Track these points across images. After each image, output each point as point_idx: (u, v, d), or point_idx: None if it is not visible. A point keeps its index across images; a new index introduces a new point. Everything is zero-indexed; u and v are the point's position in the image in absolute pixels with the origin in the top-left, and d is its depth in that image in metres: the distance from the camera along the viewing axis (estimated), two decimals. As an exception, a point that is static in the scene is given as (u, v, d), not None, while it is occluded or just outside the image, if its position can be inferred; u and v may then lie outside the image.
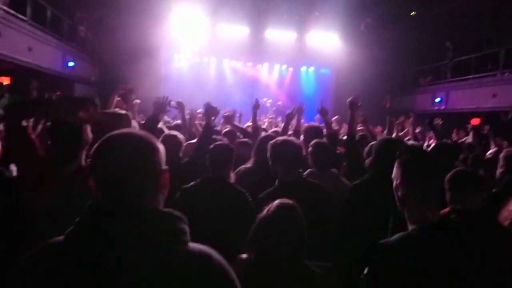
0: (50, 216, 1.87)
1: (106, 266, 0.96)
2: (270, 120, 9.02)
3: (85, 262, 0.97)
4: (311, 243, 2.30)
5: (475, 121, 12.22)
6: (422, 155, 1.75)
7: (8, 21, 8.97)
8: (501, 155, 3.25)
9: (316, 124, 5.05)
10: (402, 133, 6.18)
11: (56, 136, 2.10)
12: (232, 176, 2.85)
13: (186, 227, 1.06)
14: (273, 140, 2.75)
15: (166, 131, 3.85)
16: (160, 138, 3.53)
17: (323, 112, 4.53)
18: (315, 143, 3.29)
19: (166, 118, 6.15)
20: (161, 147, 1.15)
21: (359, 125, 5.83)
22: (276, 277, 1.74)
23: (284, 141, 2.68)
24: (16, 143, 2.05)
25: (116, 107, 5.26)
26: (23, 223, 2.03)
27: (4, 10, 8.80)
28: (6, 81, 10.19)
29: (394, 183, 1.66)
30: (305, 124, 5.34)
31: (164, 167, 1.14)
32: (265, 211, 1.87)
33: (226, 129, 4.67)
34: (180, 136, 3.62)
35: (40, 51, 10.61)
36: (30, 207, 2.03)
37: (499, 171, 3.18)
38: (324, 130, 4.40)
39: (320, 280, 1.82)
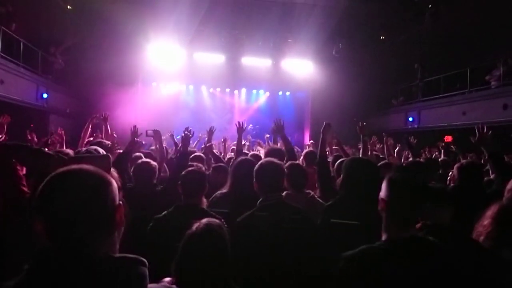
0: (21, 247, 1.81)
1: None
2: (247, 143, 9.05)
3: None
4: (292, 264, 2.31)
5: (448, 138, 12.60)
6: (410, 179, 1.82)
7: (-22, 54, 8.85)
8: (455, 167, 3.38)
9: (276, 146, 5.06)
10: (375, 152, 6.29)
11: (39, 182, 2.04)
12: (204, 202, 2.82)
13: (144, 270, 1.01)
14: (259, 162, 2.72)
15: (140, 160, 3.82)
16: (133, 167, 3.50)
17: (278, 129, 4.45)
18: (290, 165, 3.31)
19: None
20: (113, 182, 1.09)
21: (333, 146, 5.94)
22: None
23: (265, 163, 2.66)
24: (4, 178, 1.99)
25: (90, 137, 5.22)
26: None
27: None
28: (-23, 114, 9.94)
29: (380, 196, 1.76)
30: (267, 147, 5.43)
31: (118, 201, 1.09)
32: (188, 232, 1.79)
33: (197, 154, 4.66)
34: (153, 163, 3.59)
35: (13, 83, 10.46)
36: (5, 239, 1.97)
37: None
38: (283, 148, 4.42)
39: None
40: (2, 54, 10.04)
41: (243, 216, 2.52)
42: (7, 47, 10.39)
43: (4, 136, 4.36)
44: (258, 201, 2.61)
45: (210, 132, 5.56)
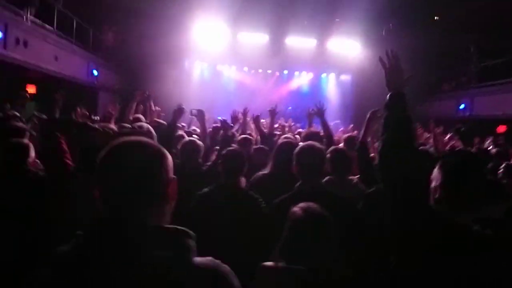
0: (66, 221, 1.90)
1: (110, 285, 0.95)
2: (288, 125, 8.95)
3: (88, 279, 0.96)
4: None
5: (501, 129, 11.84)
6: (466, 161, 1.70)
7: (35, 31, 9.29)
8: None
9: (315, 129, 4.96)
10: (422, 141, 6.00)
11: (84, 155, 2.12)
12: (243, 181, 2.82)
13: (192, 243, 1.03)
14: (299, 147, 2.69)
15: (186, 138, 3.88)
16: (180, 144, 3.56)
17: (320, 113, 4.40)
18: (334, 149, 3.24)
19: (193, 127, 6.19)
20: (169, 156, 1.12)
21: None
22: (311, 286, 1.68)
23: (306, 147, 2.61)
24: (49, 150, 2.10)
25: (136, 113, 5.38)
26: (47, 222, 2.07)
27: (31, 20, 9.11)
28: (32, 89, 10.53)
29: (433, 183, 1.65)
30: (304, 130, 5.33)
31: (172, 176, 1.11)
32: (293, 217, 1.81)
33: (241, 137, 4.67)
34: (199, 142, 3.63)
35: (66, 60, 10.94)
36: (52, 210, 2.07)
37: None
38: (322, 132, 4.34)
39: None
40: (57, 31, 10.48)
41: (281, 198, 2.50)
42: (60, 25, 10.83)
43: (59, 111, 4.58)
44: (296, 185, 2.57)
45: (273, 113, 5.36)
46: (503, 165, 3.77)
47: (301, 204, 1.85)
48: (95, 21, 13.42)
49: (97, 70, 12.89)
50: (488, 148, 6.59)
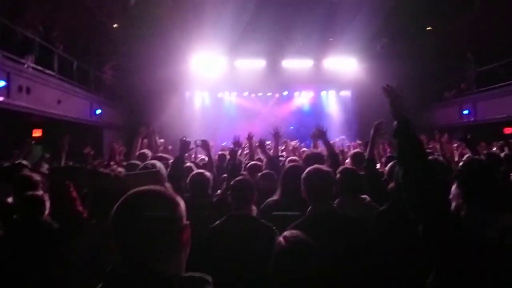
0: (81, 269, 1.88)
1: None
2: (293, 145, 8.93)
3: None
4: (344, 277, 2.21)
5: (508, 130, 11.75)
6: (483, 174, 1.77)
7: (36, 77, 9.49)
8: None
9: (316, 150, 4.95)
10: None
11: (96, 201, 2.13)
12: (254, 210, 2.80)
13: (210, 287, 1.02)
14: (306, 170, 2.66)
15: (195, 169, 3.87)
16: (189, 178, 3.55)
17: (320, 134, 4.42)
18: (343, 170, 3.21)
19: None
20: (181, 202, 1.13)
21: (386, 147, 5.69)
22: None
23: (313, 170, 2.59)
24: (60, 198, 2.11)
25: (141, 148, 5.40)
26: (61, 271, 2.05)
27: (32, 67, 9.32)
28: (38, 133, 10.67)
29: (455, 202, 1.72)
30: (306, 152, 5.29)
31: (185, 222, 1.11)
32: (277, 247, 1.80)
33: (250, 164, 4.65)
34: (208, 173, 3.62)
35: (69, 103, 11.12)
36: (65, 258, 2.06)
37: None
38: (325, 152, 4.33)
39: None
40: (58, 76, 10.69)
41: (294, 224, 2.46)
42: (62, 68, 11.06)
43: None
44: (308, 210, 2.54)
45: (277, 136, 5.32)
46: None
47: (285, 233, 1.84)
48: (94, 61, 13.72)
49: (100, 109, 13.07)
50: (496, 151, 6.52)
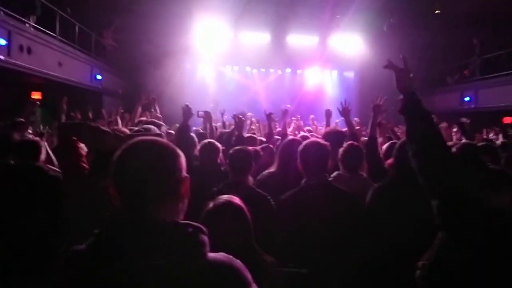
0: (79, 220, 1.95)
1: (125, 280, 0.97)
2: (296, 123, 8.97)
3: (105, 276, 0.98)
4: (328, 244, 2.29)
5: (508, 120, 11.78)
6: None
7: (38, 37, 9.37)
8: None
9: (338, 128, 4.98)
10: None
11: (97, 159, 2.17)
12: (251, 180, 2.85)
13: (205, 238, 1.06)
14: (303, 143, 2.70)
15: (205, 140, 3.89)
16: (200, 146, 3.59)
17: (345, 112, 4.45)
18: (348, 146, 3.27)
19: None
20: (182, 155, 1.15)
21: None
22: None
23: (310, 143, 2.64)
24: (66, 154, 2.15)
25: (140, 116, 5.43)
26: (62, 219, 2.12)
27: (33, 27, 9.19)
28: (37, 95, 10.62)
29: None
30: (327, 128, 5.31)
31: (185, 174, 1.14)
32: (205, 209, 1.86)
33: (248, 135, 4.69)
34: (218, 144, 3.65)
35: (70, 66, 11.02)
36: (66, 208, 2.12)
37: None
38: (346, 130, 4.36)
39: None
40: (60, 38, 10.56)
41: (286, 194, 2.53)
42: (63, 31, 10.91)
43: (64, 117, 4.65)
44: (302, 181, 2.60)
45: (285, 113, 5.32)
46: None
47: (217, 198, 1.89)
48: (97, 25, 13.51)
49: (100, 75, 12.96)
50: (493, 139, 6.58)
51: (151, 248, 0.99)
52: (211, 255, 1.06)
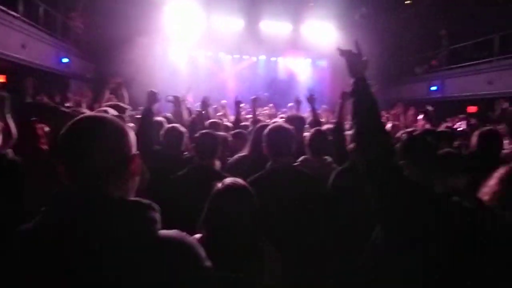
0: (39, 202, 1.90)
1: (74, 258, 0.95)
2: (268, 111, 9.03)
3: (53, 254, 0.96)
4: (293, 226, 2.33)
5: (472, 109, 12.23)
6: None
7: (0, 18, 8.93)
8: (475, 134, 3.32)
9: (298, 113, 5.11)
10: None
11: (55, 138, 2.11)
12: (218, 164, 2.85)
13: (156, 215, 1.05)
14: (268, 127, 2.72)
15: (169, 125, 3.85)
16: (163, 130, 3.55)
17: (311, 100, 4.58)
18: (314, 131, 3.33)
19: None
20: (131, 133, 1.13)
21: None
22: (228, 256, 1.70)
23: (275, 128, 2.65)
24: (23, 135, 2.08)
25: (107, 101, 5.29)
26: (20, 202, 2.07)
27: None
28: (1, 79, 10.17)
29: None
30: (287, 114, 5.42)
31: (134, 152, 1.12)
32: (213, 191, 1.86)
33: (211, 121, 4.67)
34: (182, 128, 3.61)
35: (34, 48, 10.58)
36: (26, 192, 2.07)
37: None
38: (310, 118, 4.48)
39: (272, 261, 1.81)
40: (23, 18, 10.10)
41: (252, 177, 2.54)
42: (27, 12, 10.44)
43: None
44: (267, 164, 2.62)
45: (255, 100, 5.29)
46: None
47: (225, 179, 1.89)
48: (63, 7, 12.98)
49: (67, 58, 12.52)
50: (457, 127, 6.84)
51: (100, 224, 0.98)
52: (163, 232, 1.05)
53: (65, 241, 0.97)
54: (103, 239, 0.97)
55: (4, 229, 2.21)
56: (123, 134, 1.10)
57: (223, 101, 8.74)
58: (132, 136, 1.13)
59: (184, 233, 1.10)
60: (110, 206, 1.01)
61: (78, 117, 1.10)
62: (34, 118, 2.08)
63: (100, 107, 5.01)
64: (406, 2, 13.91)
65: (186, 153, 3.60)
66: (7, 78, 10.25)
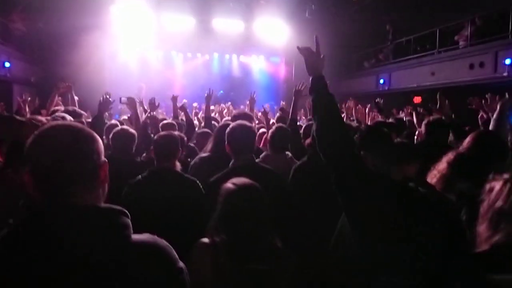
0: None
1: (47, 269, 0.94)
2: (225, 108, 9.02)
3: (24, 267, 0.94)
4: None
5: (417, 99, 12.92)
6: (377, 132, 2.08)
7: None
8: (424, 122, 3.54)
9: (245, 111, 5.29)
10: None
11: (13, 149, 2.01)
12: (178, 166, 2.83)
13: (128, 221, 1.05)
14: (229, 126, 2.74)
15: (118, 127, 3.74)
16: (111, 134, 3.43)
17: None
18: (275, 128, 3.38)
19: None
20: (99, 140, 1.12)
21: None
22: (246, 258, 1.72)
23: (236, 126, 2.68)
24: None
25: (56, 105, 5.08)
26: None
27: None
28: None
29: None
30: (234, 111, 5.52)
31: (103, 159, 1.11)
32: (225, 192, 1.87)
33: (165, 122, 4.63)
34: (132, 130, 3.52)
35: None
36: None
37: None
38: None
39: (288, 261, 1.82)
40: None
41: (216, 176, 2.55)
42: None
43: None
44: (230, 163, 2.64)
45: (208, 98, 5.22)
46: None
47: (233, 179, 1.91)
48: (1, 7, 12.17)
49: (9, 62, 11.77)
50: (403, 118, 7.21)
51: (72, 233, 0.96)
52: (135, 236, 1.06)
53: (38, 252, 0.94)
54: (77, 247, 0.96)
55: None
56: (93, 141, 1.10)
57: (184, 101, 8.64)
58: (101, 143, 1.12)
59: (155, 236, 1.10)
60: (84, 214, 1.00)
61: (46, 126, 1.07)
62: None
63: (48, 112, 4.81)
64: (353, -1, 14.42)
65: (140, 157, 3.53)
66: None
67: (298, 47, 1.95)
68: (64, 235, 0.96)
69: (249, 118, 3.96)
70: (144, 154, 3.73)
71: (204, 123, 5.01)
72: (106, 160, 1.12)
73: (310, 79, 1.86)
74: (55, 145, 1.02)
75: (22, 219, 0.99)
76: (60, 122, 1.12)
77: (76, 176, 1.03)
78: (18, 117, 2.05)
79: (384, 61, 15.20)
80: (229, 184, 1.88)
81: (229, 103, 10.14)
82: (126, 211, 1.07)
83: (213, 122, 5.16)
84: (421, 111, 7.62)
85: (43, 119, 2.36)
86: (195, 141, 4.31)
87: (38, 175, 1.03)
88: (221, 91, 15.55)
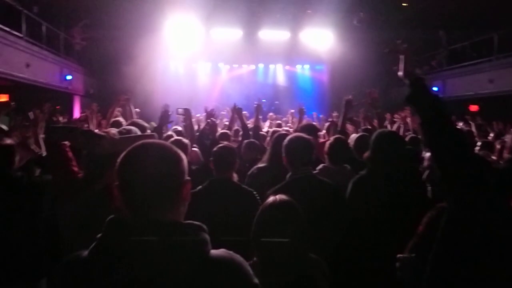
0: (75, 224, 1.94)
1: (132, 283, 0.98)
2: (271, 120, 9.11)
3: (110, 279, 0.99)
4: (317, 239, 2.35)
5: (474, 108, 12.27)
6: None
7: (3, 38, 9.02)
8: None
9: (311, 122, 5.17)
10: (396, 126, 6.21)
11: (90, 160, 2.15)
12: (235, 177, 2.88)
13: (207, 236, 1.08)
14: (287, 137, 2.76)
15: (173, 138, 3.88)
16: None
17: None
18: (334, 139, 3.36)
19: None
20: (184, 157, 1.17)
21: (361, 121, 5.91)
22: (281, 276, 1.69)
23: (294, 138, 2.69)
24: (54, 158, 2.12)
25: (115, 117, 5.34)
26: (54, 226, 2.10)
27: (-1, 28, 8.86)
28: (4, 98, 10.26)
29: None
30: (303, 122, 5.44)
31: (187, 177, 1.15)
32: (262, 207, 1.87)
33: (221, 132, 4.72)
34: (185, 140, 3.64)
35: (38, 67, 10.67)
36: (59, 214, 2.11)
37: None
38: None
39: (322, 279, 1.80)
40: (26, 38, 10.20)
41: (274, 188, 2.57)
42: (30, 31, 10.55)
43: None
44: (288, 175, 2.65)
45: (258, 108, 5.32)
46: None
47: (272, 197, 1.91)
48: (65, 24, 13.11)
49: (70, 75, 12.62)
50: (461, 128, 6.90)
51: (156, 247, 1.01)
52: (214, 251, 1.08)
53: (122, 264, 0.99)
54: (160, 261, 1.00)
55: (35, 253, 2.27)
56: (180, 160, 1.14)
57: (227, 108, 8.86)
58: (186, 161, 1.17)
59: (231, 252, 1.13)
60: (167, 229, 1.04)
61: (137, 144, 1.13)
62: (64, 141, 2.11)
63: (108, 123, 5.07)
64: (403, 5, 13.99)
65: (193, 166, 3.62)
66: (10, 97, 10.33)
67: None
68: (147, 249, 1.00)
69: (315, 130, 3.95)
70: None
71: (253, 134, 5.02)
72: (189, 179, 1.16)
73: (407, 83, 1.61)
74: (144, 166, 1.07)
75: (109, 231, 1.04)
76: (149, 141, 1.16)
77: (163, 197, 1.08)
78: (96, 132, 2.19)
79: (438, 68, 14.60)
80: (266, 202, 1.88)
81: (271, 113, 10.23)
82: (205, 227, 1.10)
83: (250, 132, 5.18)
84: (480, 121, 7.26)
85: (115, 132, 2.50)
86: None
87: (128, 194, 1.08)
88: (264, 100, 15.64)
